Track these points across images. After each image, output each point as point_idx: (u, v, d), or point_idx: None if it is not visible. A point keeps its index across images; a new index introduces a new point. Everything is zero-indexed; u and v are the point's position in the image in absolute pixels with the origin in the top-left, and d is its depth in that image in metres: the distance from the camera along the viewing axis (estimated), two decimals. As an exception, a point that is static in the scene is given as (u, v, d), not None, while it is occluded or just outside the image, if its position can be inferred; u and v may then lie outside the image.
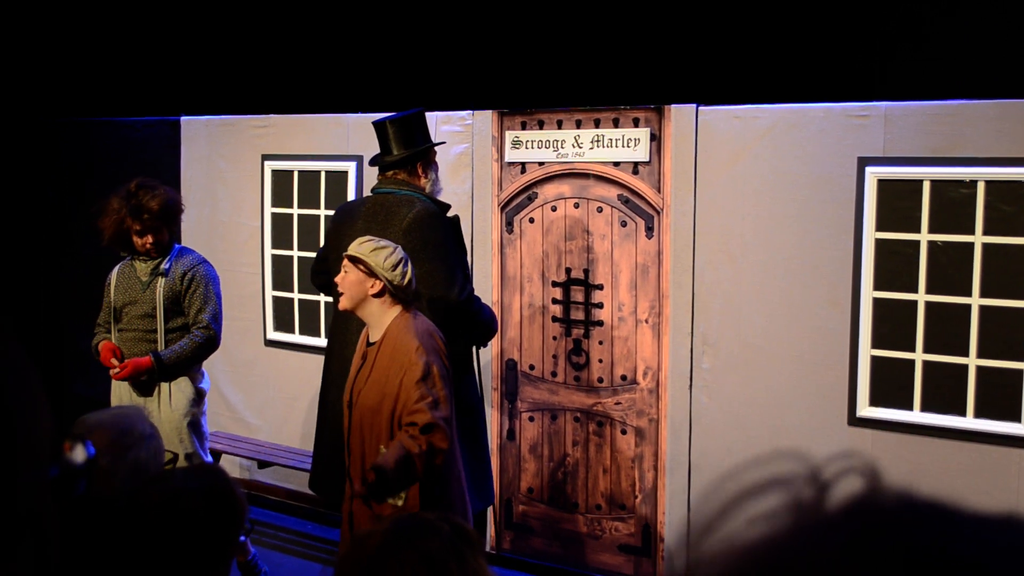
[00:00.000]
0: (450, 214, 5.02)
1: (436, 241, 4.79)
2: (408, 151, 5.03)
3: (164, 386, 5.62)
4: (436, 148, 5.19)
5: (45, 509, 1.01)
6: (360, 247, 4.34)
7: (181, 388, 5.65)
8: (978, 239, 4.96)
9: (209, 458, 5.88)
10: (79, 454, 1.18)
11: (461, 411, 4.88)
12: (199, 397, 5.72)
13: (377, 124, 5.11)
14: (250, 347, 7.42)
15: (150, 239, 5.61)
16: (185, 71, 7.67)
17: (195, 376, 5.72)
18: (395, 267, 4.27)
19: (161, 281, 5.62)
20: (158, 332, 5.62)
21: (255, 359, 7.41)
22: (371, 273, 4.28)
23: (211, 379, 7.59)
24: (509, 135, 6.20)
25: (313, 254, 7.05)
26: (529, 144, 6.14)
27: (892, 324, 5.20)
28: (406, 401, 4.11)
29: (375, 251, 4.30)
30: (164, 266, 5.65)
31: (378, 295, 4.30)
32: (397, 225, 4.82)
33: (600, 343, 6.03)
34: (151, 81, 7.85)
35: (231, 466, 7.36)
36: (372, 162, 5.19)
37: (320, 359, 7.07)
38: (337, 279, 4.39)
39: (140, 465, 2.88)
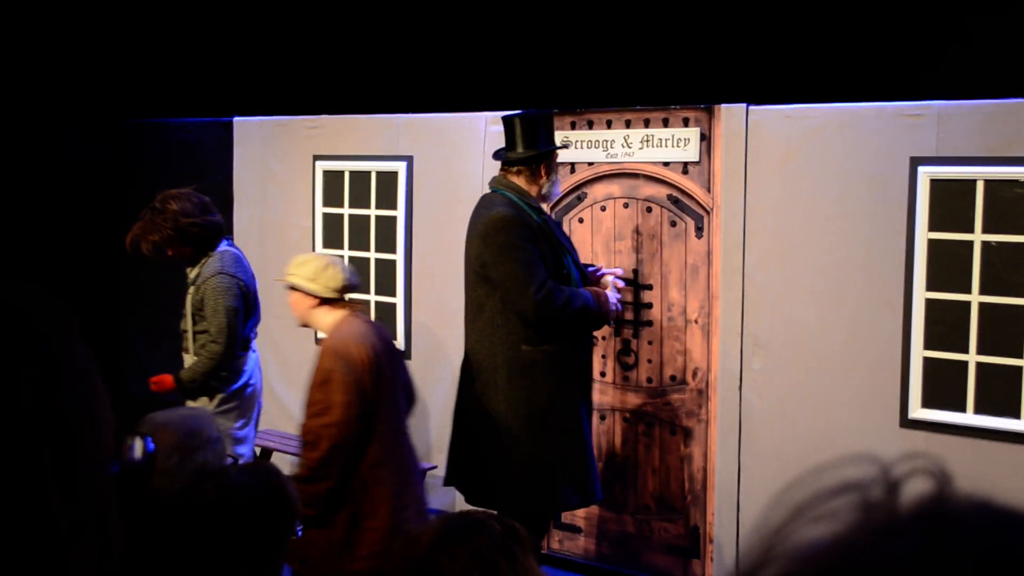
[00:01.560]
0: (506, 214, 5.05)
1: (507, 244, 4.88)
2: (530, 151, 5.10)
3: None
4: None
5: (109, 505, 1.03)
6: (287, 270, 4.79)
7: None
8: (1033, 239, 4.90)
9: (246, 448, 5.94)
10: (139, 451, 1.20)
11: (558, 408, 4.99)
12: (223, 400, 5.76)
13: (505, 120, 5.20)
14: (302, 346, 7.49)
15: (169, 253, 5.74)
16: (237, 73, 7.75)
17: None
18: (317, 275, 4.63)
19: (191, 290, 5.72)
20: (188, 335, 5.73)
21: (307, 357, 7.46)
22: (303, 290, 4.67)
23: (263, 377, 7.67)
24: (559, 135, 6.20)
25: (364, 254, 7.11)
26: (579, 144, 6.14)
27: (945, 325, 5.14)
28: (307, 403, 4.45)
29: (297, 267, 4.72)
30: (191, 275, 5.73)
31: (317, 306, 4.69)
32: (479, 230, 5.00)
33: (649, 343, 6.02)
34: (204, 83, 7.94)
35: (282, 464, 7.42)
36: (495, 156, 5.30)
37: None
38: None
39: (206, 468, 2.91)
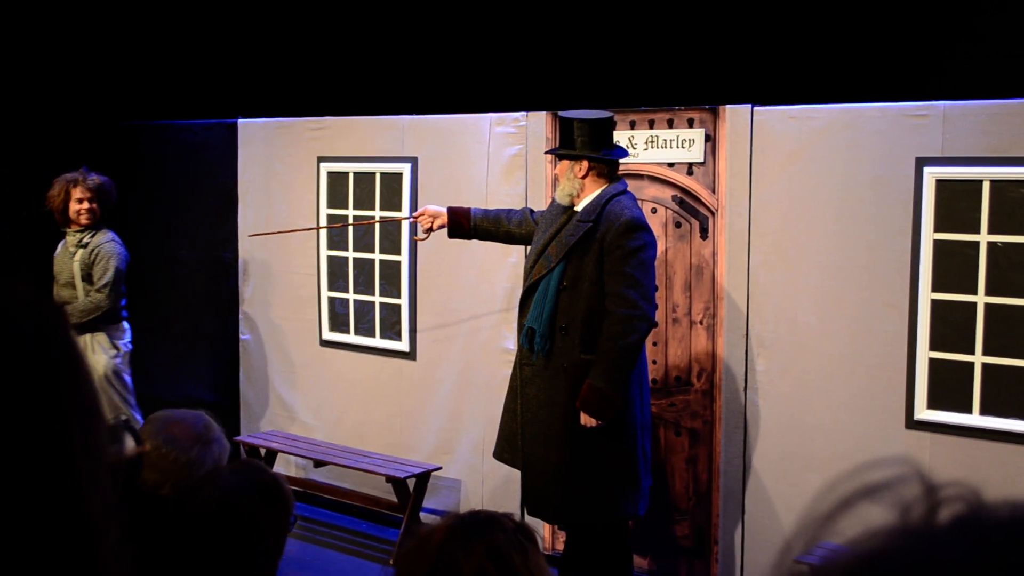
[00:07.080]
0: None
1: None
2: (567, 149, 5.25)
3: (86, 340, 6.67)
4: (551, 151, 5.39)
5: (109, 503, 1.03)
6: None
7: (100, 343, 6.74)
8: (1039, 240, 4.88)
9: (137, 412, 6.71)
10: (128, 446, 1.20)
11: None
12: (117, 352, 6.81)
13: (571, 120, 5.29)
14: (306, 347, 7.49)
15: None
16: (242, 74, 7.76)
17: (113, 333, 6.83)
18: None
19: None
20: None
21: (311, 359, 7.48)
22: None
23: (266, 378, 7.68)
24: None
25: (368, 255, 7.11)
26: (583, 145, 6.12)
27: (951, 326, 5.13)
28: None
29: None
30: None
31: None
32: None
33: (654, 344, 6.01)
34: (209, 84, 7.95)
35: (287, 465, 7.43)
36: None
37: (375, 359, 7.13)
38: None
39: (215, 462, 2.97)
